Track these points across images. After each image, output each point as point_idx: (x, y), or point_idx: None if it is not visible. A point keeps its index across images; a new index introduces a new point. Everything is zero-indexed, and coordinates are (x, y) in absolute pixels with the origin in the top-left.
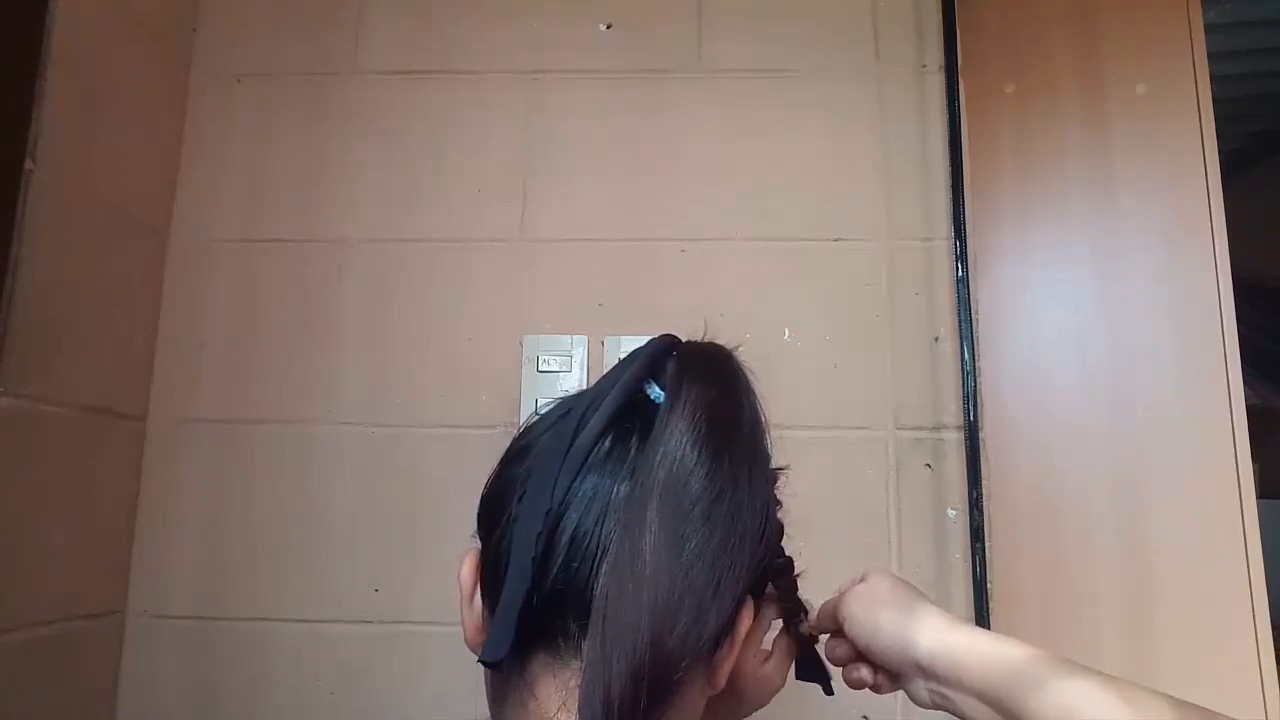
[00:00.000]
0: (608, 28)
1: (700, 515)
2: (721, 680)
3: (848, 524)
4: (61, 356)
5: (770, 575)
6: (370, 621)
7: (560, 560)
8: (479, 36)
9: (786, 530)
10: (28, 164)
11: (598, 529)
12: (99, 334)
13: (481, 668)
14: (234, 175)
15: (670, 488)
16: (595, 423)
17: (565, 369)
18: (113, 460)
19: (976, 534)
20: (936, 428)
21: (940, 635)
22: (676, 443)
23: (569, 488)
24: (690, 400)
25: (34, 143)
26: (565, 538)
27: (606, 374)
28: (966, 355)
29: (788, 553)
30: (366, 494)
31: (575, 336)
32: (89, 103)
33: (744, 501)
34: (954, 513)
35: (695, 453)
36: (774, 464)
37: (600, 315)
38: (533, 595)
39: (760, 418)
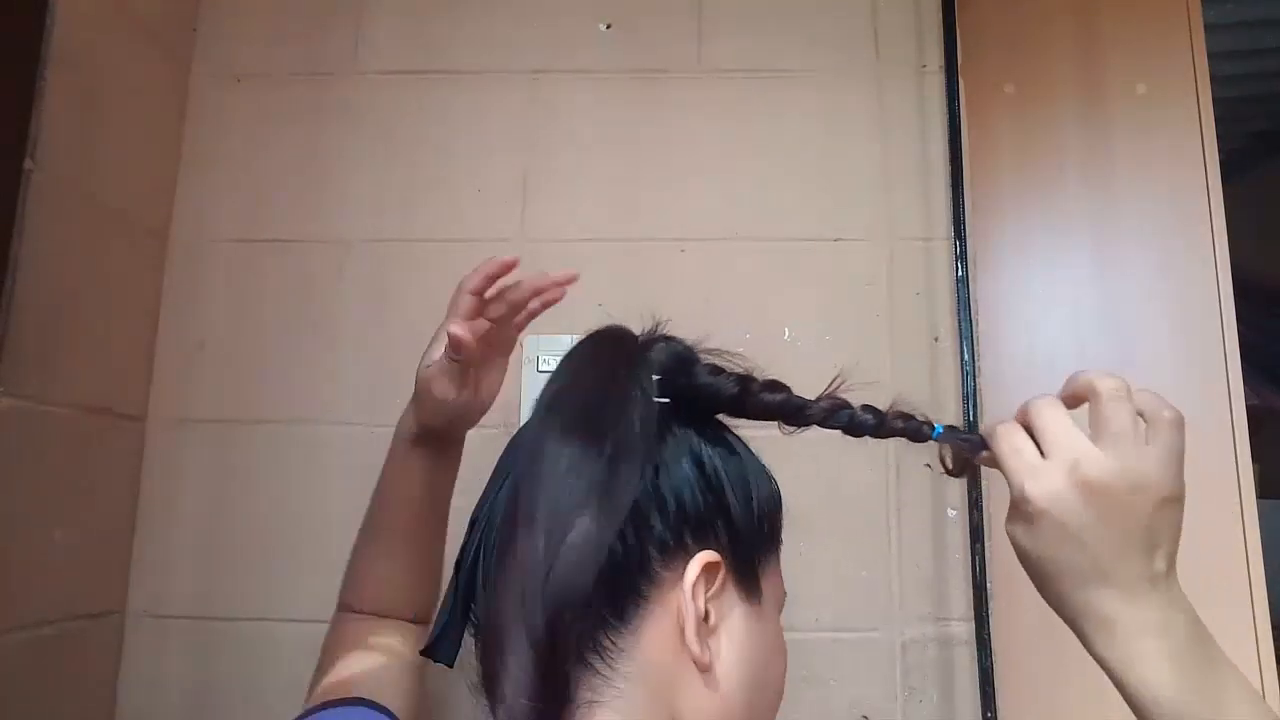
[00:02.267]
0: (608, 28)
1: (547, 509)
2: (702, 655)
3: (847, 524)
4: (61, 356)
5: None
6: None
7: (466, 572)
8: (479, 36)
9: (786, 531)
10: (28, 164)
11: (486, 539)
12: (99, 334)
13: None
14: (234, 175)
15: (520, 487)
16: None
17: None
18: (113, 460)
19: (976, 534)
20: None
21: (1144, 673)
22: (528, 436)
23: (493, 496)
24: (546, 389)
25: (34, 143)
26: (473, 549)
27: None
28: (966, 355)
29: (791, 552)
30: (366, 494)
31: (575, 337)
32: (89, 103)
33: (601, 485)
34: (954, 513)
35: (540, 441)
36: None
37: (600, 315)
38: (457, 609)
39: (628, 395)
